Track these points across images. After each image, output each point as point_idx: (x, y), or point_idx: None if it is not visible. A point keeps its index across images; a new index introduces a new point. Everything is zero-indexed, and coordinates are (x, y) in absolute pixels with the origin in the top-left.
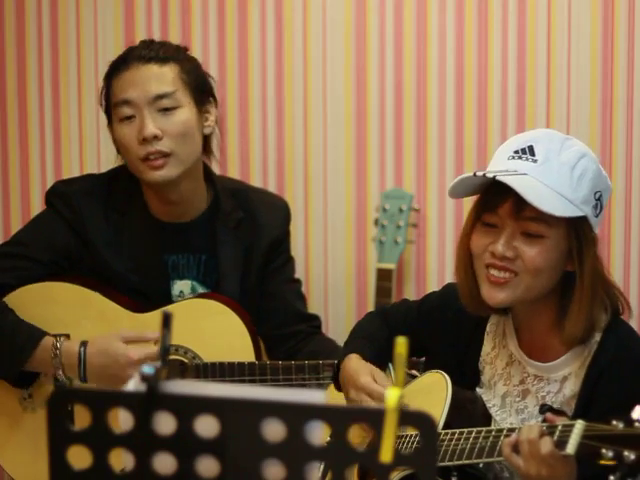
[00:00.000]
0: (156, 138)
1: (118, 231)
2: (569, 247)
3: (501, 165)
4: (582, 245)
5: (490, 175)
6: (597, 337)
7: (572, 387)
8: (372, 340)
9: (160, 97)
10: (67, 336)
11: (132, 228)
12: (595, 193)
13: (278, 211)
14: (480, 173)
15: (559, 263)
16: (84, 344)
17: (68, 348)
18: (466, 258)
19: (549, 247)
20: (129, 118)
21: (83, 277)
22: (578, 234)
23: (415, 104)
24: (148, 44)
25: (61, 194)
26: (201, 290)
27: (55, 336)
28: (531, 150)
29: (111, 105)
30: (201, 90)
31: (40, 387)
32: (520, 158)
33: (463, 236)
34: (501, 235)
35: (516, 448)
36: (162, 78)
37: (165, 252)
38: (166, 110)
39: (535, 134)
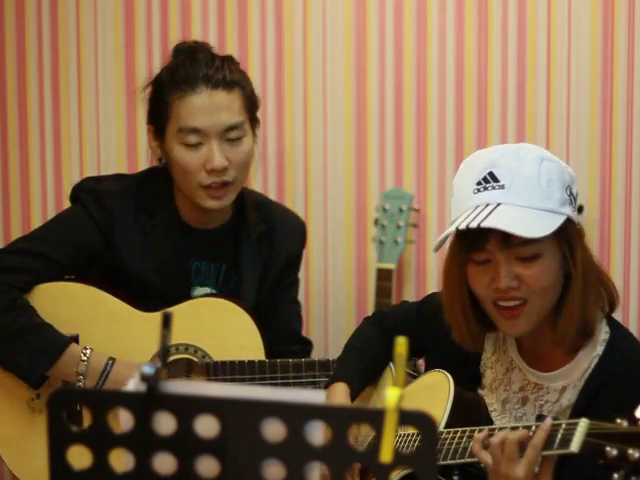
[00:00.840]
0: (224, 169)
1: (145, 232)
2: (562, 252)
3: (469, 201)
4: (572, 245)
5: (474, 225)
6: (599, 350)
7: (569, 397)
8: (365, 357)
9: (230, 128)
10: (93, 349)
11: (160, 230)
12: (566, 189)
13: (297, 229)
14: (463, 226)
15: (560, 271)
16: (112, 359)
17: (97, 358)
18: (463, 300)
19: (547, 263)
20: (194, 145)
21: (92, 277)
22: (567, 237)
23: (415, 104)
24: (210, 60)
25: (93, 192)
26: None
27: (83, 347)
28: (493, 176)
29: (170, 123)
30: (254, 112)
31: (48, 388)
32: (486, 189)
33: (452, 281)
34: (499, 269)
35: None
36: (231, 107)
37: (190, 257)
38: (232, 140)
39: (487, 157)
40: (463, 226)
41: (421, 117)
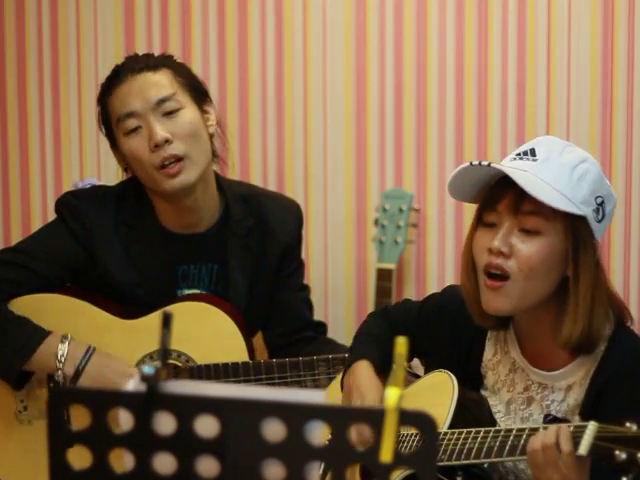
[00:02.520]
0: (167, 142)
1: (127, 245)
2: (566, 248)
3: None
4: (579, 246)
5: (485, 163)
6: (602, 347)
7: (576, 397)
8: (379, 343)
9: (162, 101)
10: (72, 338)
11: (142, 241)
12: (596, 198)
13: (290, 216)
14: (476, 162)
15: (555, 265)
16: (93, 347)
17: (77, 343)
18: (470, 265)
19: (545, 245)
20: (135, 130)
21: (72, 288)
22: (575, 235)
23: (415, 104)
24: (134, 58)
25: (70, 207)
26: None
27: (62, 334)
28: (532, 152)
29: (112, 123)
30: (197, 90)
31: (35, 400)
32: (522, 159)
33: (467, 242)
34: (498, 231)
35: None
36: (159, 83)
37: (176, 263)
38: (170, 113)
39: (538, 139)
40: (476, 163)
41: (421, 117)
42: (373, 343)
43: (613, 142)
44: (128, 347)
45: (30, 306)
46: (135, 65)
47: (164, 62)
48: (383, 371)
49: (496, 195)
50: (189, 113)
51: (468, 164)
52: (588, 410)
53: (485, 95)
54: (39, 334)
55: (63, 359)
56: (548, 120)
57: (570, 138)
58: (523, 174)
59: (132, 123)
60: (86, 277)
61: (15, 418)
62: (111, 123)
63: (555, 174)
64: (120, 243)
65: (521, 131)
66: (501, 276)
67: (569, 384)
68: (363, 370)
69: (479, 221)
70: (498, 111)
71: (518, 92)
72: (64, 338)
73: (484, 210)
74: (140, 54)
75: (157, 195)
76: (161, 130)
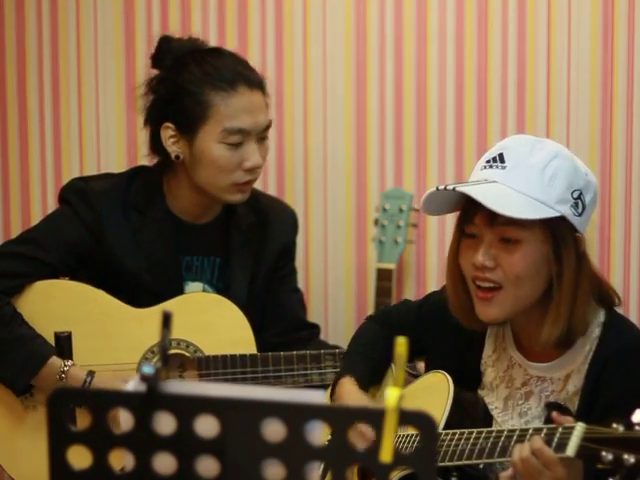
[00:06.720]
0: (259, 167)
1: (136, 230)
2: (547, 249)
3: (474, 177)
4: (560, 246)
5: (450, 187)
6: (597, 332)
7: (575, 383)
8: (368, 355)
9: (266, 128)
10: (74, 364)
11: (151, 227)
12: (573, 192)
13: (288, 218)
14: (442, 187)
15: (542, 267)
16: (91, 374)
17: (75, 374)
18: (455, 274)
19: (527, 252)
20: (236, 145)
21: (84, 277)
22: (555, 235)
23: (415, 104)
24: (244, 64)
25: (79, 191)
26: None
27: (62, 359)
28: (501, 157)
29: (209, 122)
30: None
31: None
32: (491, 167)
33: (450, 253)
34: (480, 245)
35: None
36: (265, 108)
37: (182, 253)
38: (262, 139)
39: (507, 141)
40: (442, 187)
41: (421, 117)
42: (361, 355)
43: (613, 142)
44: (139, 335)
45: (41, 292)
46: (252, 77)
47: (263, 82)
48: (369, 385)
49: (472, 208)
50: (267, 140)
51: (435, 189)
52: (587, 396)
53: (485, 95)
54: (41, 353)
55: (65, 380)
56: (548, 120)
57: (570, 138)
58: (491, 187)
59: (237, 139)
60: (92, 264)
61: (21, 403)
62: (207, 118)
63: (524, 179)
64: (130, 228)
65: (521, 131)
66: (491, 287)
67: (567, 373)
68: (346, 388)
69: (461, 232)
70: (498, 111)
71: (518, 92)
72: (62, 368)
73: (464, 224)
74: (241, 57)
75: (183, 185)
76: (259, 156)
